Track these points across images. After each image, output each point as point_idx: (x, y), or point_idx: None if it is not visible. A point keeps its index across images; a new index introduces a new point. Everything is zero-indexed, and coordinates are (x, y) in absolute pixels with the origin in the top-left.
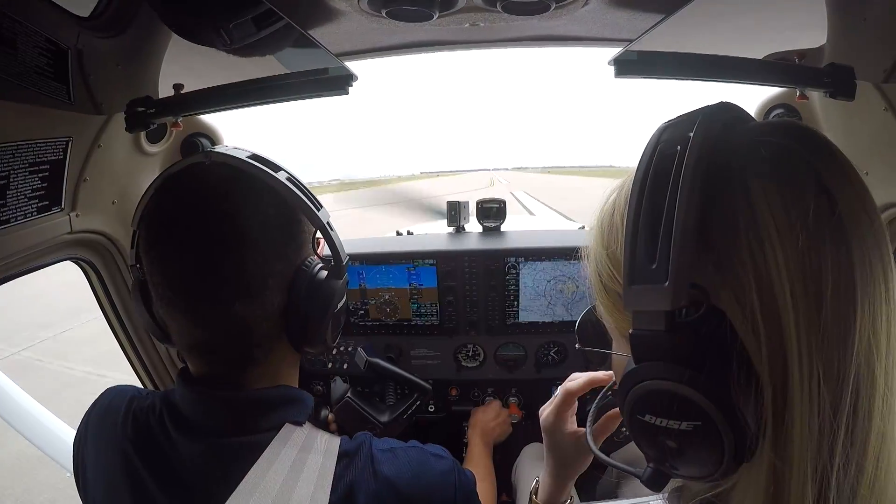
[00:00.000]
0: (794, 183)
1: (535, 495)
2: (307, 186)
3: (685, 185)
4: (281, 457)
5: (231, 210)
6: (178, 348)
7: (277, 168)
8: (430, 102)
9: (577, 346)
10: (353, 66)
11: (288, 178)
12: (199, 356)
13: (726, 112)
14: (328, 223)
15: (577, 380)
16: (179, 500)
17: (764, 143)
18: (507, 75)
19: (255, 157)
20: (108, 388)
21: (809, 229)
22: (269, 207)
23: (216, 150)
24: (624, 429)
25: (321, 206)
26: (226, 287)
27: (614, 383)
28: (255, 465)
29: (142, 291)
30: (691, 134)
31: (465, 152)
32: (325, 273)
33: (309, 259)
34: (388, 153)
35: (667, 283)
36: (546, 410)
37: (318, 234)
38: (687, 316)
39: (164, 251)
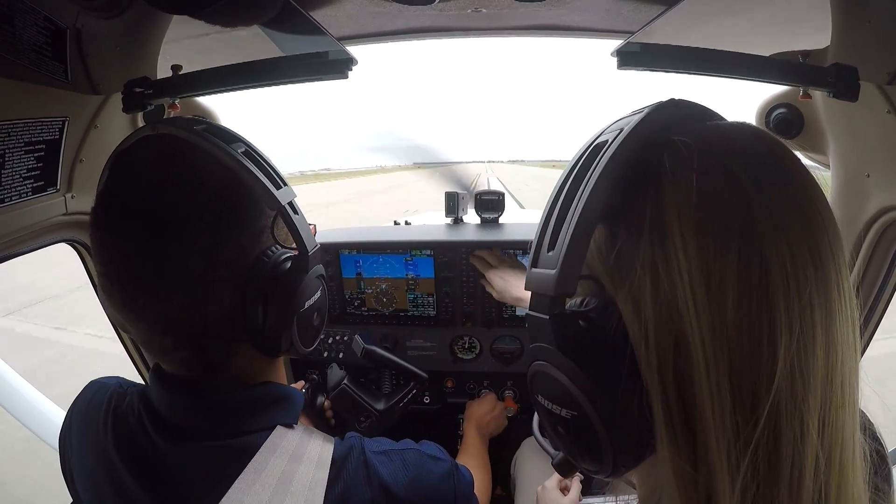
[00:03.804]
0: (708, 187)
1: None
2: (269, 162)
3: (594, 176)
4: (269, 467)
5: (170, 189)
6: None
7: (233, 139)
8: (427, 92)
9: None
10: (351, 51)
11: (245, 152)
12: (156, 356)
13: (675, 109)
14: (290, 204)
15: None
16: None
17: (689, 146)
18: (506, 67)
19: (209, 128)
20: (91, 382)
21: (716, 236)
22: (216, 186)
23: (165, 121)
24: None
25: (283, 185)
26: (163, 279)
27: None
28: (240, 477)
29: None
30: (623, 127)
31: (462, 144)
32: (288, 266)
33: (271, 249)
34: (383, 143)
35: (554, 271)
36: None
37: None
38: (584, 306)
39: (101, 236)
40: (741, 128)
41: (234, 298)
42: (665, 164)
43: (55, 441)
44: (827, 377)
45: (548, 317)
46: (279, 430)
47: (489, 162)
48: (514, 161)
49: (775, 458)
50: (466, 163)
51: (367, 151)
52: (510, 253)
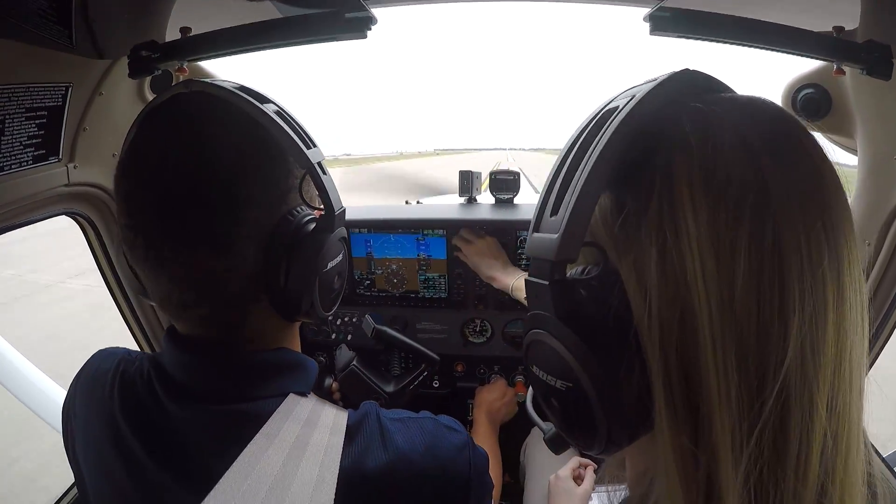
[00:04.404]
0: (722, 155)
1: None
2: (300, 122)
3: (602, 140)
4: (283, 432)
5: (200, 143)
6: (154, 303)
7: (265, 100)
8: (450, 77)
9: None
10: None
11: (277, 112)
12: (174, 313)
13: (690, 79)
14: (319, 164)
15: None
16: (171, 470)
17: (703, 113)
18: (528, 54)
19: (241, 88)
20: (98, 351)
21: (728, 204)
22: (247, 143)
23: (198, 80)
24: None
25: (313, 145)
26: (189, 231)
27: None
28: (252, 442)
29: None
30: (636, 94)
31: (483, 130)
32: (313, 225)
33: (297, 209)
34: (405, 128)
35: (557, 235)
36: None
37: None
38: (586, 274)
39: (128, 187)
40: (757, 100)
41: (258, 255)
42: (678, 130)
43: (51, 418)
44: (837, 359)
45: (547, 283)
46: (292, 397)
47: (510, 150)
48: (536, 149)
49: (782, 440)
50: (489, 150)
51: (389, 137)
52: (493, 238)
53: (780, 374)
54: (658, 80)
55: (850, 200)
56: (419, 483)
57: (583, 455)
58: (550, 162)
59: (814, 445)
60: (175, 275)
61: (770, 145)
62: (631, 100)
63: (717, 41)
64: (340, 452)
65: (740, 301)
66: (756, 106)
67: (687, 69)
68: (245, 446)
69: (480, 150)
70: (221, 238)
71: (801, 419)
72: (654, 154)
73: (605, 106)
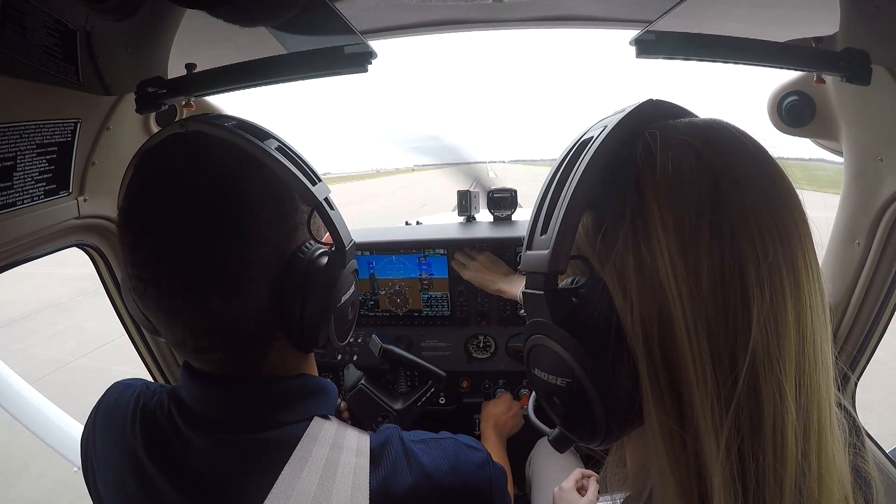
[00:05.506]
0: (680, 169)
1: None
2: (303, 157)
3: (581, 166)
4: (313, 455)
5: (202, 186)
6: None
7: (266, 136)
8: (425, 92)
9: None
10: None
11: (278, 148)
12: (189, 355)
13: (653, 108)
14: (326, 200)
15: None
16: (194, 499)
17: (666, 136)
18: (512, 64)
19: (239, 124)
20: (116, 383)
21: (690, 213)
22: (251, 182)
23: (195, 118)
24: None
25: (318, 181)
26: (200, 278)
27: None
28: (287, 465)
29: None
30: (607, 125)
31: (462, 144)
32: (324, 261)
33: (306, 245)
34: (381, 145)
35: (547, 251)
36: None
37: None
38: (575, 284)
39: (133, 238)
40: (711, 120)
41: (272, 295)
42: (644, 153)
43: (65, 448)
44: (799, 342)
45: (542, 293)
46: (317, 420)
47: (490, 162)
48: (515, 161)
49: (757, 417)
50: (469, 163)
51: (367, 155)
52: (487, 252)
53: (747, 354)
54: (626, 111)
55: (837, 200)
56: (444, 501)
57: (586, 466)
58: (531, 173)
59: (787, 424)
60: (188, 322)
61: (721, 157)
62: (603, 130)
63: (702, 60)
64: (368, 474)
65: (708, 294)
66: (711, 126)
67: (651, 99)
68: (270, 471)
69: (459, 164)
70: (233, 282)
71: (771, 399)
72: (626, 175)
73: (582, 136)
